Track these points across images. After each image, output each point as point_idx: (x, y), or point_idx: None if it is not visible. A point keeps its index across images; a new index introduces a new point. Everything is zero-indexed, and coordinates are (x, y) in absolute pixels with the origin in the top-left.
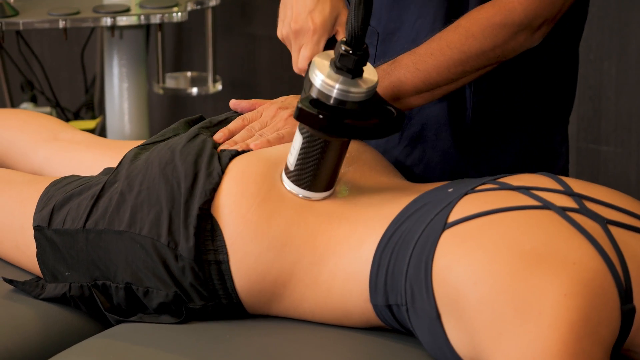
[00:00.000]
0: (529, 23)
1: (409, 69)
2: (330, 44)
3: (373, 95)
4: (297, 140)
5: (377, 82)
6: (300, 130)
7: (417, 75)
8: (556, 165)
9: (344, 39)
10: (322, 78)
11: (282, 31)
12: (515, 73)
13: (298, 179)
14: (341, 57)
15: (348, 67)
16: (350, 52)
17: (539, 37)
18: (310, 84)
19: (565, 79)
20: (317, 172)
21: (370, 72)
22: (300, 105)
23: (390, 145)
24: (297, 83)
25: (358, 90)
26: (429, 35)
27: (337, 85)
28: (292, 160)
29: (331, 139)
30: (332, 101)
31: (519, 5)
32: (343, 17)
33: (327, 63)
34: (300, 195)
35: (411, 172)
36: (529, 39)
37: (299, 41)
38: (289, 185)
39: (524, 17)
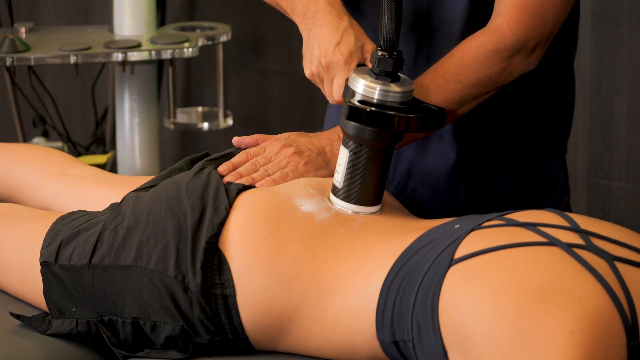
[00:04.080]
0: (521, 46)
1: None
2: None
3: (412, 99)
4: (343, 156)
5: (413, 87)
6: (345, 144)
7: None
8: (553, 195)
9: (379, 47)
10: (364, 82)
11: (310, 69)
12: (508, 100)
13: (348, 196)
14: (379, 61)
15: (386, 70)
16: (387, 55)
17: (535, 60)
18: (352, 94)
19: (560, 104)
20: (365, 184)
21: (406, 80)
22: (348, 103)
23: None
24: (309, 119)
25: (398, 90)
26: (411, 70)
27: (379, 87)
28: (339, 178)
29: (376, 144)
30: (374, 102)
31: (509, 30)
32: (368, 46)
33: (364, 73)
34: (350, 212)
35: (407, 206)
36: (524, 63)
37: (330, 74)
38: (338, 203)
39: (516, 40)
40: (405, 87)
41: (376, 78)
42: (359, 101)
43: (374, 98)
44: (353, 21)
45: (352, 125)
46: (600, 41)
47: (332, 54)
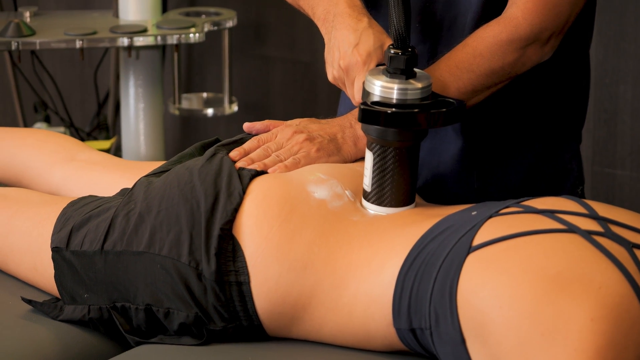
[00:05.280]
0: (535, 37)
1: None
2: None
3: (431, 94)
4: (369, 159)
5: (431, 81)
6: (369, 148)
7: None
8: (566, 184)
9: (391, 45)
10: (381, 83)
11: (333, 73)
12: (522, 88)
13: (379, 199)
14: (391, 60)
15: (400, 67)
16: (400, 53)
17: (549, 50)
18: (369, 95)
19: (574, 93)
20: (395, 185)
21: (422, 74)
22: (364, 107)
23: None
24: (310, 105)
25: (415, 87)
26: (431, 63)
27: (396, 86)
28: (367, 181)
29: (402, 144)
30: (394, 102)
31: (524, 20)
32: (388, 44)
33: (379, 74)
34: (385, 214)
35: (420, 194)
36: (538, 53)
37: (351, 76)
38: (372, 208)
39: (530, 31)
40: (423, 82)
41: (391, 77)
42: (377, 102)
43: (392, 98)
44: (372, 21)
45: (373, 128)
46: (605, 29)
47: (350, 55)
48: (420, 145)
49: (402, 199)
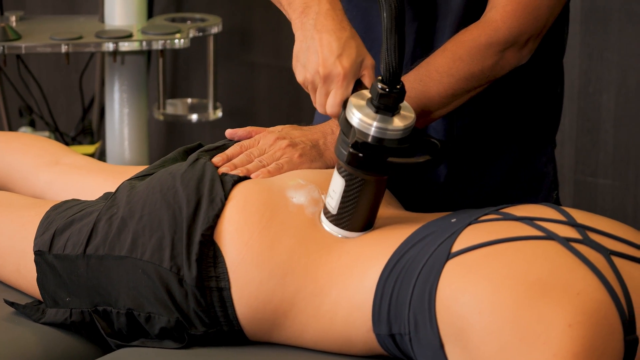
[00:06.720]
0: (514, 40)
1: None
2: (356, 86)
3: (412, 131)
4: (337, 182)
5: (414, 119)
6: (338, 170)
7: (408, 103)
8: (542, 187)
9: (380, 77)
10: (360, 117)
11: (305, 76)
12: (498, 94)
13: (338, 220)
14: (380, 96)
15: (386, 105)
16: (387, 89)
17: (527, 54)
18: (348, 124)
19: (549, 98)
20: (356, 212)
21: (406, 108)
22: (341, 148)
23: None
24: (295, 112)
25: (396, 128)
26: (408, 63)
27: (375, 124)
28: (333, 203)
29: (370, 177)
30: (370, 139)
31: (503, 24)
32: (368, 61)
33: (363, 102)
34: (339, 236)
35: (400, 198)
36: (516, 56)
37: (327, 86)
38: (328, 226)
39: (509, 34)
40: (405, 122)
41: (376, 112)
42: (353, 138)
43: (369, 135)
44: (354, 31)
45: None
46: (589, 39)
47: (332, 65)
48: (387, 178)
49: (360, 226)
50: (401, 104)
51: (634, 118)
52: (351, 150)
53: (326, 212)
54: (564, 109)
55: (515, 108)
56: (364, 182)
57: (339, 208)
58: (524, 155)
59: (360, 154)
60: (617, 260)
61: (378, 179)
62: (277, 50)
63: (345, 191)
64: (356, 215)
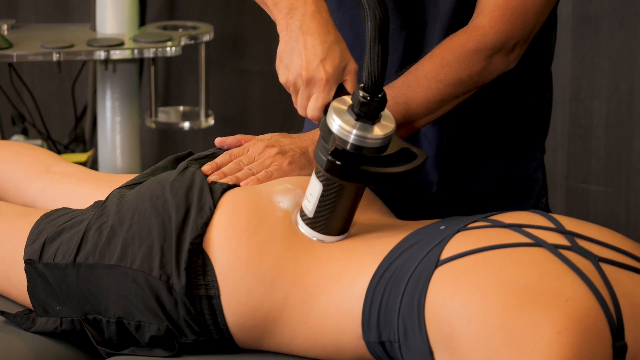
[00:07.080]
0: (502, 46)
1: (388, 103)
2: (338, 91)
3: (392, 141)
4: (315, 186)
5: (394, 128)
6: (316, 174)
7: (397, 109)
8: (532, 193)
9: (362, 85)
10: (340, 124)
11: (287, 77)
12: (487, 101)
13: (314, 223)
14: (361, 105)
15: (367, 113)
16: (369, 98)
17: (514, 59)
18: (328, 130)
19: (538, 105)
20: (332, 216)
21: (387, 117)
22: (320, 154)
23: None
24: (288, 119)
25: (375, 137)
26: (398, 68)
27: (354, 132)
28: (310, 206)
29: (348, 184)
30: (349, 147)
31: (490, 29)
32: (351, 66)
33: (344, 108)
34: (314, 239)
35: (389, 206)
36: (504, 62)
37: (309, 89)
38: (303, 228)
39: (497, 40)
40: (385, 131)
41: (356, 119)
42: (332, 144)
43: (348, 142)
44: (339, 35)
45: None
46: (580, 45)
47: (315, 69)
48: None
49: (336, 231)
50: (382, 113)
51: (626, 124)
52: (329, 157)
53: (302, 215)
54: (555, 115)
55: (504, 114)
56: (341, 188)
57: (316, 212)
58: (513, 161)
59: (338, 162)
60: (605, 267)
61: (356, 185)
62: (269, 58)
63: (322, 196)
64: (332, 220)
